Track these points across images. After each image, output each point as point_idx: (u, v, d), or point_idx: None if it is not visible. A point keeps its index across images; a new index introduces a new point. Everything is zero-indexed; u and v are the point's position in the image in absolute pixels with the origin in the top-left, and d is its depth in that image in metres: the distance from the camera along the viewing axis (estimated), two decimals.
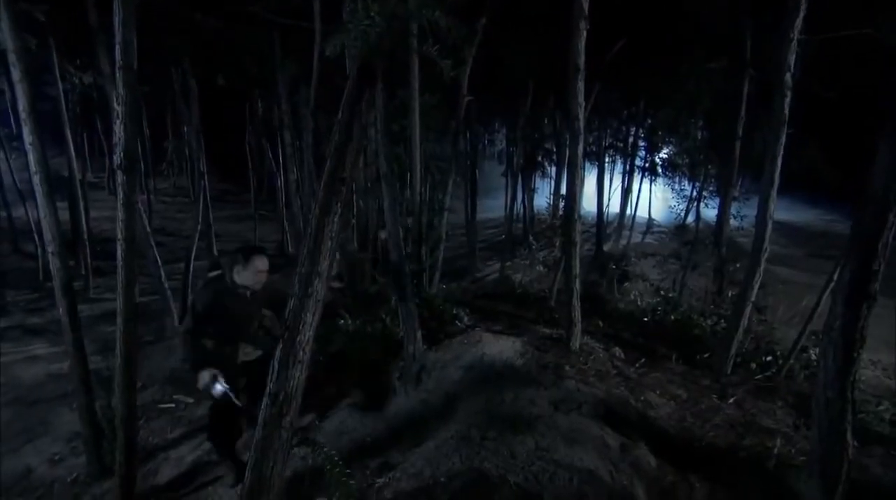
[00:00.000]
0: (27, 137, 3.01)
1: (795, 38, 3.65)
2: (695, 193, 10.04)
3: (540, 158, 13.14)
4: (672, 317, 5.69)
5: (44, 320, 7.27)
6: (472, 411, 3.10)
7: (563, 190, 5.66)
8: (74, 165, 8.20)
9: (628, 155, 14.36)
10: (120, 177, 2.50)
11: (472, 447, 2.65)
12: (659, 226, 17.13)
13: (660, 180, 12.88)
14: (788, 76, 3.72)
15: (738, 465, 2.79)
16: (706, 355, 4.42)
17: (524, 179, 14.49)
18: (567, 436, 2.74)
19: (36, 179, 3.05)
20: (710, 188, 9.41)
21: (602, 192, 13.14)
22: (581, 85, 3.71)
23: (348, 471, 2.75)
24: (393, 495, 2.48)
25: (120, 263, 2.59)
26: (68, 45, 8.53)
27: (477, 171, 14.46)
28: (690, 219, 10.75)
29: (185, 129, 10.23)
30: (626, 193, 14.98)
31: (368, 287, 6.24)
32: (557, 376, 3.44)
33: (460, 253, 12.70)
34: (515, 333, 4.35)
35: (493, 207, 17.91)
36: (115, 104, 2.45)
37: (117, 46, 2.34)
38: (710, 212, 9.58)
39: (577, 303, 3.95)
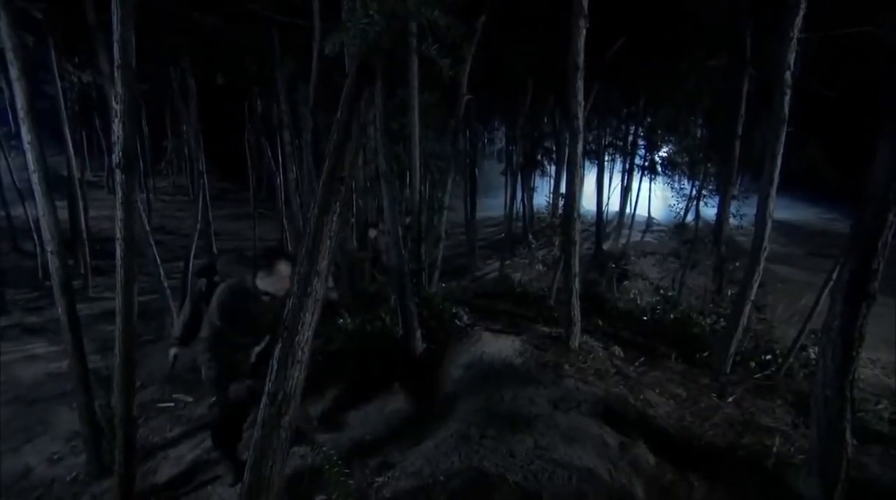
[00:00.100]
0: (25, 135, 3.00)
1: (795, 36, 3.65)
2: (694, 192, 10.04)
3: (539, 157, 13.11)
4: (671, 316, 5.69)
5: (43, 318, 7.28)
6: (471, 409, 3.10)
7: (563, 189, 5.64)
8: (73, 163, 8.19)
9: (628, 154, 14.36)
10: (119, 176, 2.49)
11: (471, 446, 2.65)
12: (658, 225, 17.14)
13: (659, 179, 12.89)
14: (788, 75, 3.72)
15: (737, 463, 2.79)
16: (705, 354, 4.42)
17: (524, 177, 14.48)
18: (566, 435, 2.74)
19: (34, 178, 3.03)
20: (710, 187, 9.41)
21: (601, 190, 13.13)
22: (580, 83, 3.71)
23: (347, 470, 2.75)
24: (392, 494, 2.47)
25: (119, 261, 2.58)
26: (67, 43, 8.51)
27: (476, 169, 14.46)
28: (690, 218, 10.77)
29: (185, 127, 10.20)
30: (625, 191, 15.00)
31: (368, 286, 6.23)
32: (557, 375, 3.44)
33: (460, 252, 12.71)
34: (515, 331, 4.35)
35: (492, 206, 17.89)
36: (114, 103, 2.44)
37: (116, 44, 2.33)
38: (709, 211, 9.56)
39: (576, 302, 3.95)
